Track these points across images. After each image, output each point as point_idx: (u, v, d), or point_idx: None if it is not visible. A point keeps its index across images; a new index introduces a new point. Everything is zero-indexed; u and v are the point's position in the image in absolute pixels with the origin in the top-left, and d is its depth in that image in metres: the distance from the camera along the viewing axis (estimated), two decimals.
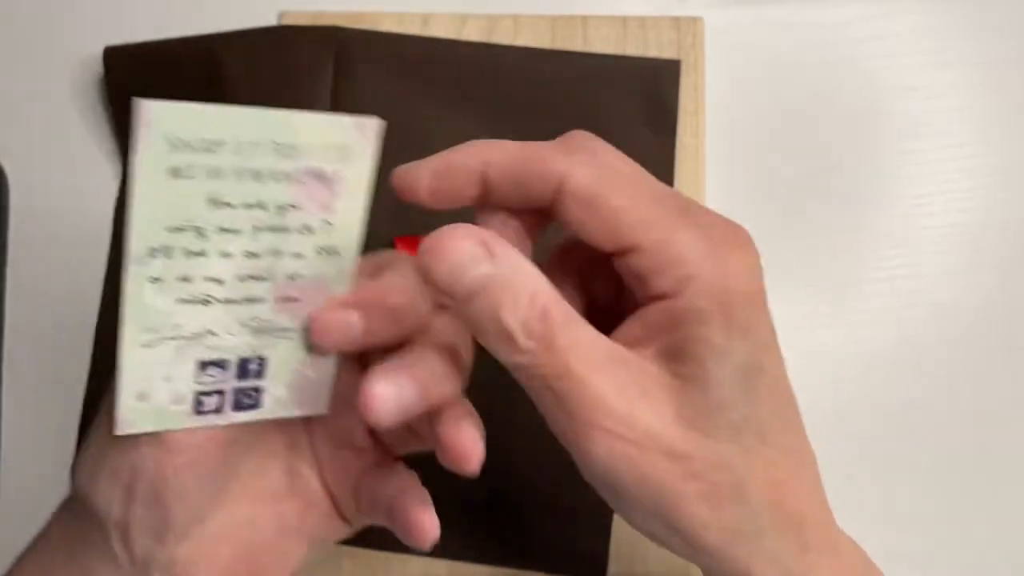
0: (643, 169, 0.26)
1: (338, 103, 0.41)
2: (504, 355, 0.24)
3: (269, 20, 0.42)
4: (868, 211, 0.43)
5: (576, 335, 0.23)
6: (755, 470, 0.24)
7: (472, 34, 0.42)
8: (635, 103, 0.41)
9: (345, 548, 0.39)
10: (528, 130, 0.41)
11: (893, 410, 0.42)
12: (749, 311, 0.24)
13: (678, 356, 0.24)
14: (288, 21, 0.42)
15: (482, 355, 0.26)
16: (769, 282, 0.43)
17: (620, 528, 0.39)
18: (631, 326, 0.25)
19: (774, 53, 0.44)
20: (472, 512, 0.39)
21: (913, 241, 0.43)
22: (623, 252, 0.24)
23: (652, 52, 0.42)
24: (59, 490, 0.41)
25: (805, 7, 0.44)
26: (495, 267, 0.23)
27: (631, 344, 0.25)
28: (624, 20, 0.42)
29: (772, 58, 0.44)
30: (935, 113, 0.44)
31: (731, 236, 0.25)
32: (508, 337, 0.23)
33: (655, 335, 0.24)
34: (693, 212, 0.25)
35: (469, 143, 0.26)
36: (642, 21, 0.42)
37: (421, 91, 0.41)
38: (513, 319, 0.23)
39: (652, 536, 0.26)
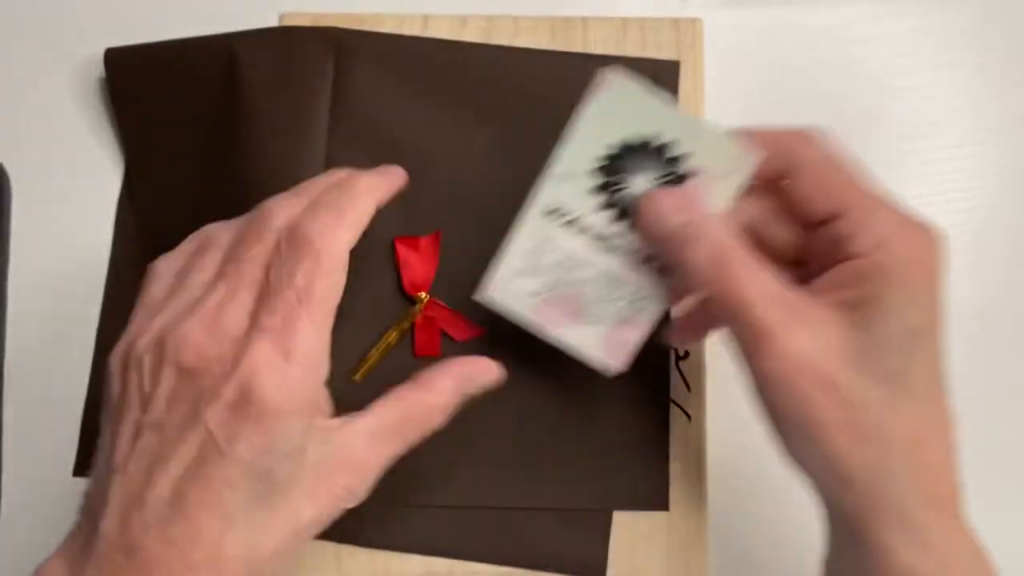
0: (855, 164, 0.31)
1: (339, 104, 0.41)
2: (693, 288, 0.32)
3: (270, 21, 0.42)
4: None
5: (751, 274, 0.29)
6: (898, 419, 0.28)
7: (472, 35, 0.42)
8: None
9: (345, 547, 0.39)
10: (528, 130, 0.41)
11: None
12: (926, 282, 0.29)
13: (854, 306, 0.29)
14: (289, 22, 0.42)
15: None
16: None
17: (620, 528, 0.39)
18: (822, 280, 0.30)
19: (773, 54, 0.44)
20: (472, 511, 0.39)
21: None
22: (832, 216, 0.30)
23: (651, 53, 0.42)
24: (60, 490, 0.41)
25: (804, 8, 0.44)
26: (689, 217, 0.31)
27: (821, 290, 0.30)
28: (623, 21, 0.42)
29: (771, 59, 0.44)
30: (934, 113, 0.44)
31: (920, 222, 0.30)
32: (694, 273, 0.30)
33: (838, 288, 0.29)
34: (892, 200, 0.30)
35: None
36: (641, 22, 0.42)
37: (421, 92, 0.41)
38: (697, 258, 0.30)
39: (802, 466, 0.30)
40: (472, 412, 0.40)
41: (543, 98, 0.41)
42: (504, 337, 0.40)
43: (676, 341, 0.39)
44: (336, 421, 0.30)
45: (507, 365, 0.40)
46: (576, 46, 0.42)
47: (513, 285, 0.34)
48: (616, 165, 0.33)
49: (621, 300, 0.34)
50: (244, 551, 0.28)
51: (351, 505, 0.31)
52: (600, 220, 0.33)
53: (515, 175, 0.41)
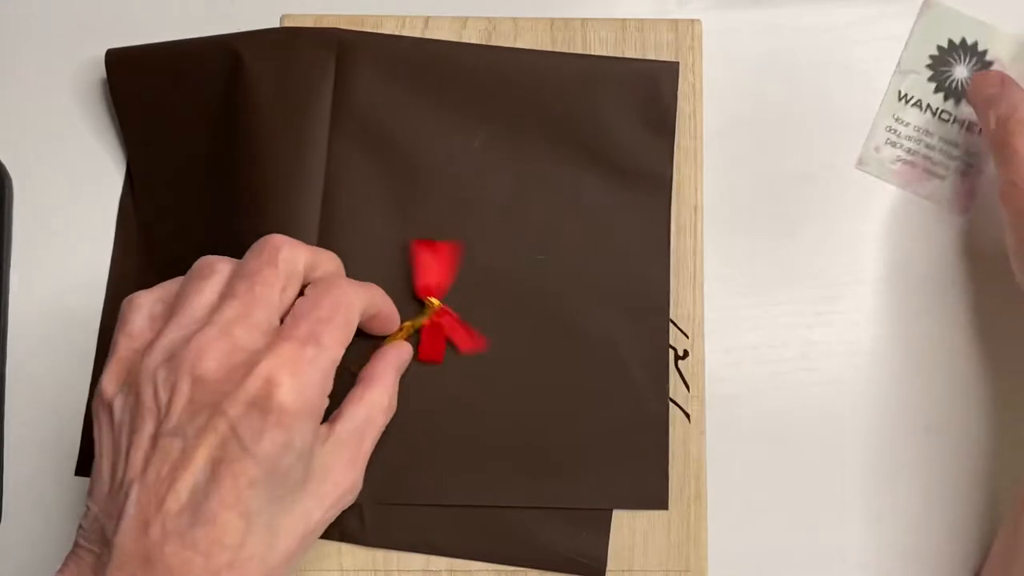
0: None
1: (340, 105, 0.41)
2: (983, 128, 0.40)
3: (271, 22, 0.43)
4: (867, 212, 0.43)
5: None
6: None
7: (472, 36, 0.42)
8: (634, 105, 0.41)
9: (345, 546, 0.39)
10: (528, 131, 0.41)
11: (892, 409, 0.42)
12: None
13: None
14: (290, 23, 0.42)
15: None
16: (767, 282, 0.43)
17: (619, 527, 0.39)
18: None
19: (772, 56, 0.44)
20: (472, 511, 0.39)
21: None
22: None
23: (650, 54, 0.42)
24: (61, 490, 0.41)
25: (803, 10, 0.44)
26: (999, 88, 0.40)
27: None
28: (623, 22, 0.43)
29: (770, 61, 0.44)
30: None
31: None
32: (986, 121, 0.39)
33: None
34: None
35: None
36: (641, 23, 0.43)
37: (422, 92, 0.41)
38: (992, 115, 0.39)
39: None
40: (473, 412, 0.40)
41: (543, 99, 0.41)
42: (502, 340, 0.40)
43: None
44: (325, 427, 0.33)
45: (507, 366, 0.40)
46: (576, 47, 0.42)
47: (878, 155, 0.43)
48: (944, 58, 0.43)
49: (958, 159, 0.42)
50: (262, 553, 0.29)
51: (347, 504, 0.34)
52: (937, 99, 0.43)
53: (515, 175, 0.41)
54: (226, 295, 0.31)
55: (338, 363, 0.31)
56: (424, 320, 0.39)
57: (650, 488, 0.39)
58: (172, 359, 0.30)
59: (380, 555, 0.39)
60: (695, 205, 0.41)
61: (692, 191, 0.41)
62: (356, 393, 0.35)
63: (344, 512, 0.39)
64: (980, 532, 0.41)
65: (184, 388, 0.29)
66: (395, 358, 0.37)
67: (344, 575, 0.39)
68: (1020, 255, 0.38)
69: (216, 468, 0.28)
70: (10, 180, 0.43)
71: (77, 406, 0.41)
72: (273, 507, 0.30)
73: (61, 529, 0.41)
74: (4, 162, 0.43)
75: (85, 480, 0.41)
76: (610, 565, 0.39)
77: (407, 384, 0.38)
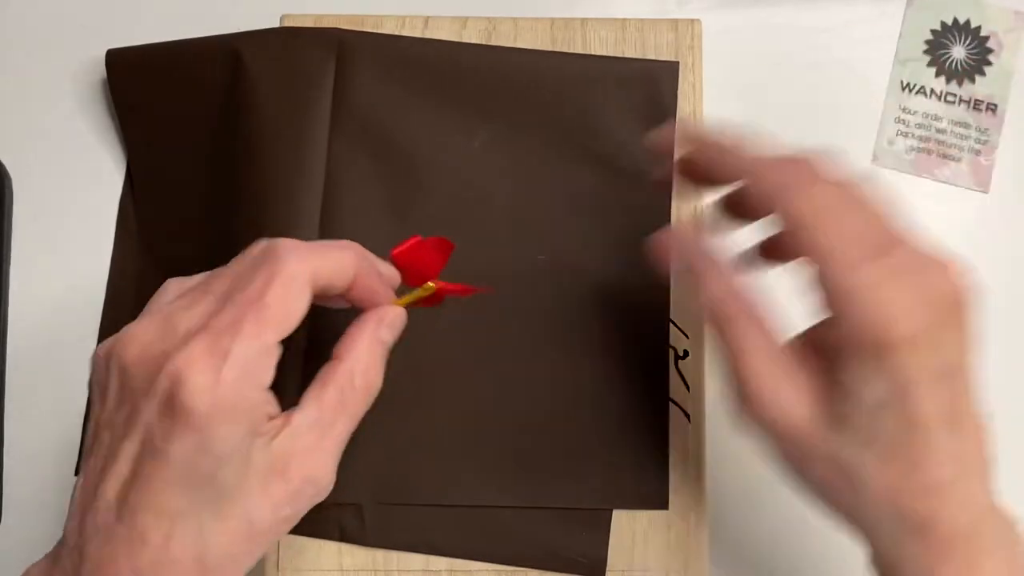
0: (867, 199, 0.30)
1: (340, 105, 0.41)
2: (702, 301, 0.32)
3: (271, 22, 0.43)
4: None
5: (748, 328, 0.30)
6: (874, 479, 0.28)
7: (472, 36, 0.42)
8: (634, 105, 0.41)
9: (345, 546, 0.39)
10: (528, 131, 0.41)
11: None
12: (892, 355, 0.28)
13: (828, 371, 0.29)
14: (290, 23, 0.42)
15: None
16: (767, 281, 0.43)
17: (619, 527, 0.39)
18: (808, 334, 0.31)
19: (772, 55, 0.44)
20: (472, 511, 0.39)
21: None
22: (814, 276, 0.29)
23: (650, 54, 0.42)
24: (61, 490, 0.41)
25: (803, 10, 0.44)
26: (704, 264, 0.32)
27: (800, 348, 0.31)
28: (623, 22, 0.43)
29: (770, 60, 0.44)
30: None
31: (908, 283, 0.28)
32: (706, 288, 0.31)
33: (817, 349, 0.30)
34: (885, 256, 0.29)
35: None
36: (640, 23, 0.43)
37: (422, 92, 0.41)
38: (711, 287, 0.31)
39: (814, 502, 0.31)
40: (472, 413, 0.40)
41: (543, 98, 0.41)
42: (504, 340, 0.40)
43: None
44: (279, 420, 0.29)
45: (507, 366, 0.40)
46: (576, 47, 0.42)
47: (893, 148, 0.42)
48: (939, 41, 0.43)
49: (971, 138, 0.42)
50: (195, 554, 0.27)
51: (320, 496, 0.30)
52: (939, 82, 0.43)
53: (515, 175, 0.41)
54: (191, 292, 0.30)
55: (274, 349, 0.28)
56: (420, 296, 0.35)
57: (650, 488, 0.39)
58: (114, 343, 0.29)
59: (380, 555, 0.39)
60: (695, 205, 0.41)
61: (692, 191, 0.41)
62: (322, 374, 0.31)
63: (344, 512, 0.39)
64: None
65: (114, 377, 0.28)
66: (372, 327, 0.31)
67: (344, 575, 0.39)
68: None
69: (136, 465, 0.27)
70: (10, 180, 0.43)
71: (77, 406, 0.41)
72: (201, 509, 0.27)
73: (61, 529, 0.41)
74: (4, 162, 0.43)
75: None
76: (610, 565, 0.39)
77: (406, 386, 0.38)
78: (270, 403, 0.29)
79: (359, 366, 0.31)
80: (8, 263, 0.43)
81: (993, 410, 0.42)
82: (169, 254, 0.43)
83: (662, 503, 0.39)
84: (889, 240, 0.29)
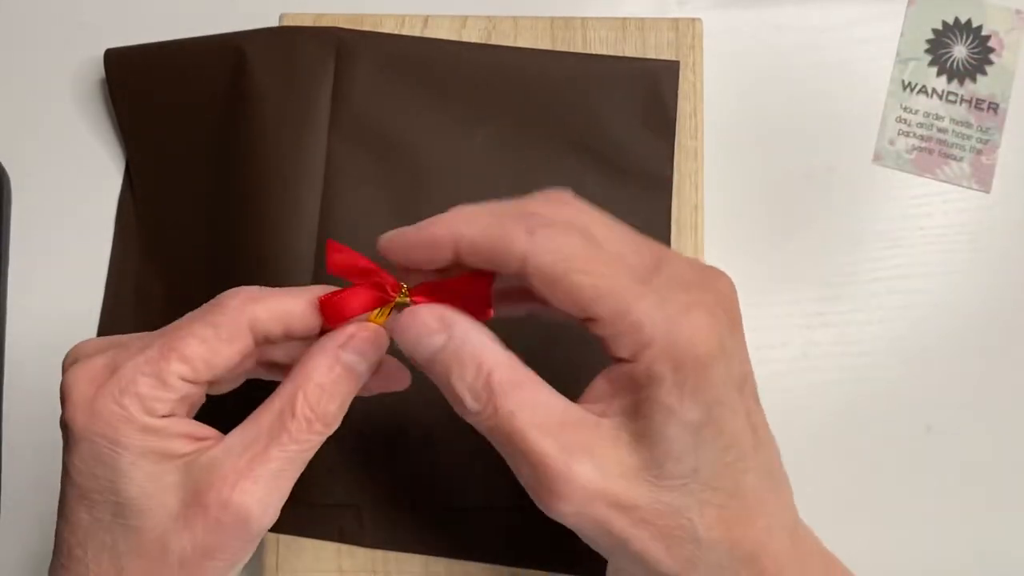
0: (614, 226, 0.28)
1: (339, 104, 0.41)
2: (460, 414, 0.27)
3: (270, 21, 0.42)
4: (866, 212, 0.43)
5: (523, 398, 0.26)
6: (705, 515, 0.26)
7: (472, 35, 0.42)
8: (634, 104, 0.41)
9: (344, 547, 0.39)
10: (527, 130, 0.41)
11: (890, 410, 0.42)
12: (701, 373, 0.26)
13: (635, 414, 0.26)
14: (289, 22, 0.42)
15: None
16: (766, 282, 0.43)
17: None
18: (600, 382, 0.27)
19: (772, 55, 0.44)
20: (471, 511, 0.39)
21: (910, 242, 0.43)
22: (585, 320, 0.26)
23: (651, 53, 0.42)
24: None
25: (803, 9, 0.44)
26: (448, 339, 0.27)
27: (598, 398, 0.27)
28: (623, 21, 0.42)
29: (770, 60, 0.44)
30: None
31: (693, 299, 0.26)
32: (458, 400, 0.27)
33: (618, 393, 0.27)
34: (661, 271, 0.27)
35: (444, 215, 0.28)
36: (641, 23, 0.42)
37: (421, 92, 0.41)
38: (461, 385, 0.26)
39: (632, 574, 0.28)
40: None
41: (543, 98, 0.41)
42: (502, 339, 0.40)
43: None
44: (207, 443, 0.28)
45: None
46: (576, 46, 0.42)
47: (894, 148, 0.42)
48: (940, 40, 0.43)
49: (972, 137, 0.42)
50: (114, 574, 0.27)
51: (248, 530, 0.27)
52: (940, 82, 0.43)
53: (515, 174, 0.41)
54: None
55: (174, 381, 0.27)
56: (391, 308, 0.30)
57: None
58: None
59: (379, 556, 0.39)
60: (695, 204, 0.41)
61: (693, 190, 0.41)
62: (276, 392, 0.28)
63: (343, 513, 0.39)
64: (980, 532, 0.41)
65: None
66: (331, 347, 0.28)
67: None
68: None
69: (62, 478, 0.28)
70: (8, 180, 0.43)
71: None
72: (110, 528, 0.27)
73: None
74: (2, 162, 0.43)
75: None
76: None
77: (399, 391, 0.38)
78: (184, 428, 0.28)
79: (307, 390, 0.27)
80: (7, 263, 0.43)
81: (992, 410, 0.42)
82: (169, 254, 0.43)
83: None
84: (651, 257, 0.27)
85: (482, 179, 0.41)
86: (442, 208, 0.41)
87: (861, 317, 0.42)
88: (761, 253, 0.43)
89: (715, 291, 0.27)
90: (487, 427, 0.26)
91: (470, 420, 0.27)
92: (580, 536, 0.28)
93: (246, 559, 0.29)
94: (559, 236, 0.26)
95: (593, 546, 0.28)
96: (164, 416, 0.27)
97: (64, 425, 0.27)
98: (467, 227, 0.27)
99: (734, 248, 0.42)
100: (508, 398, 0.26)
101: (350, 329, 0.28)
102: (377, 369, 0.29)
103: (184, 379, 0.27)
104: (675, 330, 0.25)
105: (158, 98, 0.42)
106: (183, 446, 0.27)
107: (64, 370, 0.28)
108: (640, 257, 0.27)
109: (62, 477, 0.28)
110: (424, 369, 0.27)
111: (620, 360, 0.26)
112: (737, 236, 0.42)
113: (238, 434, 0.28)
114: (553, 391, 0.27)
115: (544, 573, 0.39)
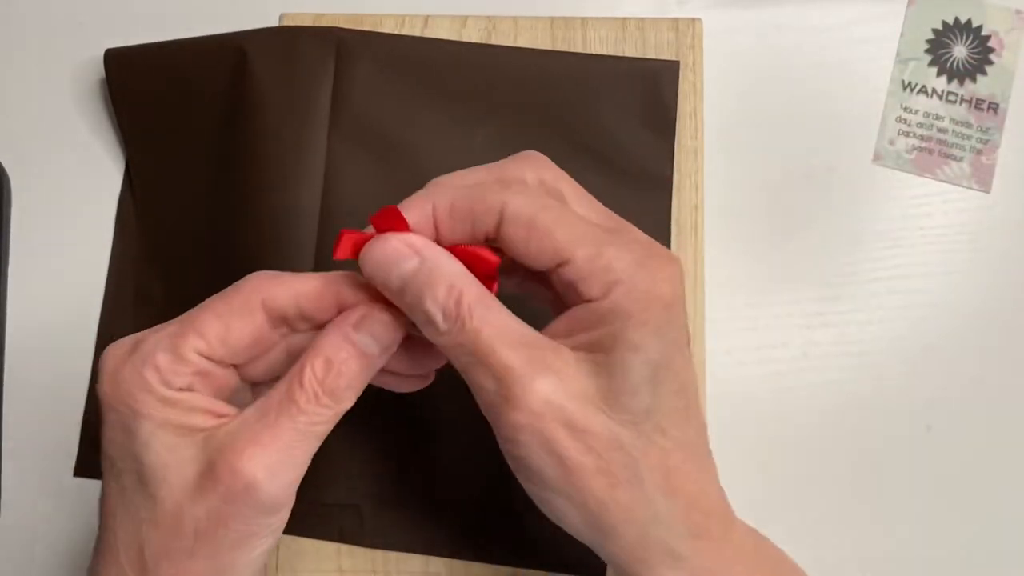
0: (582, 192, 0.30)
1: (339, 104, 0.41)
2: (430, 336, 0.28)
3: (270, 21, 0.42)
4: (866, 212, 0.43)
5: (489, 316, 0.27)
6: (650, 456, 0.27)
7: (472, 35, 0.42)
8: (634, 104, 0.41)
9: (344, 547, 0.39)
10: (527, 130, 0.41)
11: (890, 410, 0.42)
12: (666, 315, 0.27)
13: (597, 347, 0.27)
14: (289, 22, 0.42)
15: None
16: (766, 282, 0.43)
17: None
18: (559, 323, 0.29)
19: (772, 54, 0.44)
20: (471, 511, 0.39)
21: (910, 242, 0.43)
22: (558, 265, 0.28)
23: (651, 53, 0.42)
24: (60, 490, 0.41)
25: (803, 9, 0.44)
26: (419, 263, 0.28)
27: (555, 336, 0.28)
28: (623, 21, 0.42)
29: (770, 59, 0.44)
30: None
31: (655, 252, 0.28)
32: (430, 320, 0.27)
33: (579, 330, 0.28)
34: (622, 232, 0.29)
35: (421, 190, 0.30)
36: (641, 22, 0.42)
37: (421, 92, 0.41)
38: (434, 305, 0.27)
39: (562, 521, 0.29)
40: (473, 412, 0.40)
41: (543, 98, 0.41)
42: None
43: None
44: (225, 419, 0.28)
45: None
46: (576, 46, 0.42)
47: (894, 148, 0.42)
48: (940, 40, 0.43)
49: (972, 137, 0.42)
50: (136, 542, 0.28)
51: (258, 499, 0.27)
52: (940, 82, 0.43)
53: None
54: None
55: (190, 355, 0.28)
56: None
57: None
58: None
59: (379, 555, 0.39)
60: (696, 204, 0.41)
61: (693, 190, 0.41)
62: (293, 369, 0.29)
63: (343, 513, 0.39)
64: (980, 532, 0.41)
65: None
66: (342, 326, 0.29)
67: None
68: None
69: None
70: (8, 180, 0.43)
71: (76, 407, 0.41)
72: (133, 496, 0.28)
73: (61, 529, 0.41)
74: (3, 162, 0.43)
75: (85, 480, 0.41)
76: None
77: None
78: (204, 404, 0.28)
79: (315, 364, 0.28)
80: (7, 263, 0.43)
81: (992, 410, 0.42)
82: (168, 254, 0.42)
83: None
84: (614, 222, 0.29)
85: None
86: None
87: (861, 317, 0.42)
88: (761, 253, 0.43)
89: (668, 255, 0.29)
90: (455, 343, 0.27)
91: (439, 341, 0.28)
92: (526, 462, 0.28)
93: (267, 537, 0.29)
94: (532, 191, 0.29)
95: (531, 482, 0.28)
96: (182, 389, 0.28)
97: (97, 398, 0.29)
98: (443, 194, 0.29)
99: (734, 248, 0.42)
100: (477, 316, 0.27)
101: (363, 309, 0.29)
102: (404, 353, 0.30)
103: (200, 353, 0.28)
104: (642, 273, 0.27)
105: (158, 98, 0.42)
106: (203, 420, 0.28)
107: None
108: (602, 220, 0.29)
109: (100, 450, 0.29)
110: (396, 297, 0.28)
111: (588, 301, 0.28)
112: (737, 236, 0.42)
113: (253, 408, 0.28)
114: (521, 320, 0.28)
115: (544, 573, 0.39)
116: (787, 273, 0.42)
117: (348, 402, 0.29)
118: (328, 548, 0.39)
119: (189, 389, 0.28)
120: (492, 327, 0.27)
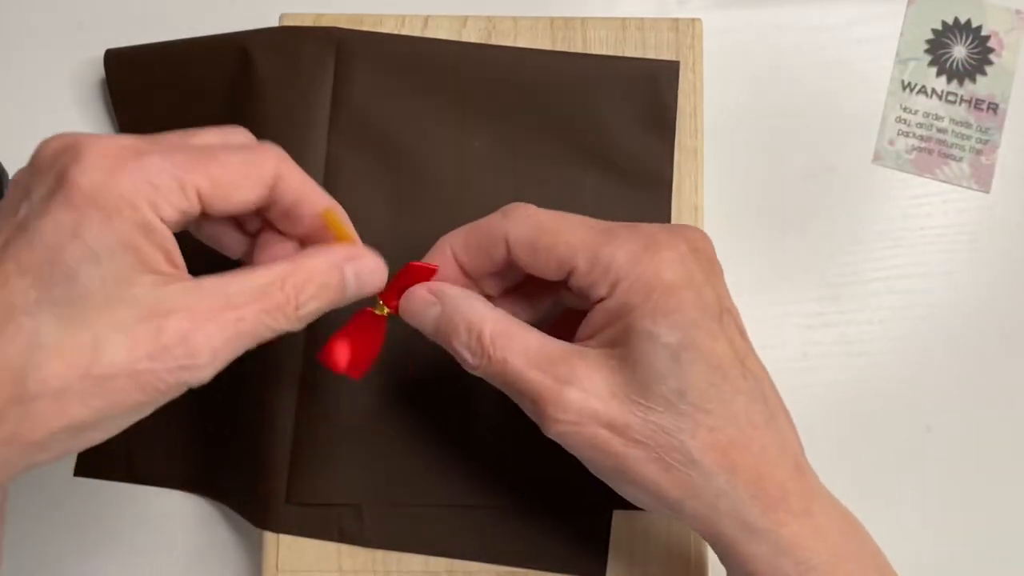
0: (569, 214, 0.32)
1: (339, 104, 0.41)
2: (469, 370, 0.31)
3: (270, 21, 0.42)
4: (866, 212, 0.43)
5: (511, 344, 0.29)
6: (698, 435, 0.28)
7: (472, 35, 0.42)
8: (634, 104, 0.41)
9: (344, 547, 0.39)
10: (528, 130, 0.41)
11: (889, 410, 0.42)
12: (673, 298, 0.29)
13: (616, 343, 0.29)
14: (289, 22, 0.42)
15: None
16: (766, 282, 0.43)
17: (619, 528, 0.39)
18: (584, 326, 0.31)
19: (772, 55, 0.44)
20: (471, 511, 0.39)
21: (910, 242, 0.43)
22: (566, 277, 0.30)
23: (651, 53, 0.42)
24: (60, 490, 0.41)
25: (803, 9, 0.44)
26: (441, 309, 0.31)
27: (584, 338, 0.30)
28: (623, 21, 0.42)
29: (770, 60, 0.44)
30: None
31: (654, 241, 0.30)
32: (463, 358, 0.30)
33: (599, 330, 0.30)
34: (619, 231, 0.30)
35: (437, 243, 0.33)
36: (641, 23, 0.42)
37: (421, 92, 0.41)
38: (459, 344, 0.30)
39: (641, 503, 0.30)
40: (473, 412, 0.40)
41: (543, 98, 0.41)
42: None
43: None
44: (178, 273, 0.27)
45: None
46: (576, 46, 0.42)
47: (894, 148, 0.42)
48: (940, 41, 0.43)
49: (972, 137, 0.42)
50: (20, 364, 0.24)
51: (188, 371, 0.26)
52: (940, 82, 0.43)
53: (515, 175, 0.41)
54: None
55: (189, 189, 0.26)
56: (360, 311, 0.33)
57: None
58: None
59: (379, 555, 0.39)
60: (695, 204, 0.41)
61: (692, 190, 0.41)
62: (253, 268, 0.28)
63: (343, 513, 0.39)
64: (980, 532, 0.41)
65: (20, 174, 0.27)
66: (339, 254, 0.29)
67: None
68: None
69: (3, 243, 0.25)
70: (8, 180, 0.43)
71: None
72: (47, 310, 0.24)
73: (61, 529, 0.41)
74: (3, 162, 0.43)
75: (85, 480, 0.41)
76: (610, 566, 0.39)
77: (404, 386, 0.38)
78: (172, 247, 0.27)
79: (298, 275, 0.28)
80: None
81: (992, 410, 0.42)
82: None
83: None
84: (606, 225, 0.31)
85: (482, 178, 0.41)
86: (442, 207, 0.41)
87: (861, 317, 0.42)
88: (761, 253, 0.43)
89: (685, 240, 0.30)
90: (489, 375, 0.30)
91: (476, 373, 0.31)
92: (587, 465, 0.30)
93: (107, 427, 0.26)
94: (530, 210, 0.31)
95: (599, 475, 0.30)
96: (163, 220, 0.26)
97: (61, 184, 0.25)
98: (457, 235, 0.32)
99: (734, 248, 0.42)
100: (499, 348, 0.29)
101: (358, 248, 0.30)
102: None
103: (200, 196, 0.27)
104: (641, 265, 0.29)
105: (158, 98, 0.42)
106: (163, 264, 0.26)
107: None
108: (598, 224, 0.31)
109: (12, 243, 0.25)
110: (435, 339, 0.31)
111: (599, 301, 0.30)
112: (737, 236, 0.42)
113: (216, 282, 0.27)
114: (540, 333, 0.30)
115: (544, 573, 0.39)
116: (787, 273, 0.42)
117: (302, 325, 0.28)
118: (328, 548, 0.39)
119: (167, 221, 0.26)
120: (515, 354, 0.29)
